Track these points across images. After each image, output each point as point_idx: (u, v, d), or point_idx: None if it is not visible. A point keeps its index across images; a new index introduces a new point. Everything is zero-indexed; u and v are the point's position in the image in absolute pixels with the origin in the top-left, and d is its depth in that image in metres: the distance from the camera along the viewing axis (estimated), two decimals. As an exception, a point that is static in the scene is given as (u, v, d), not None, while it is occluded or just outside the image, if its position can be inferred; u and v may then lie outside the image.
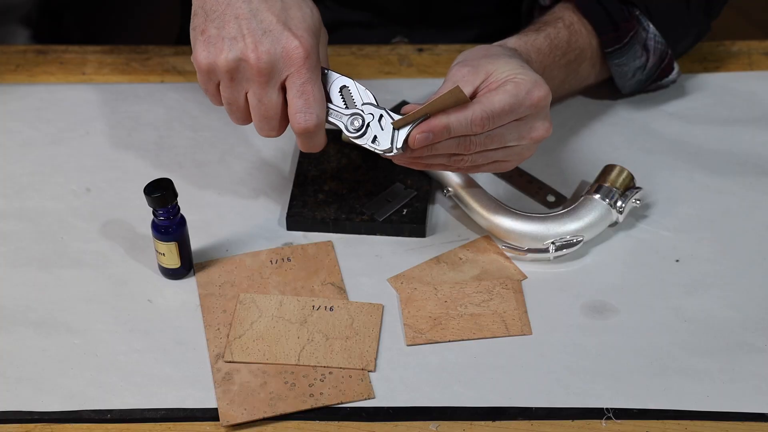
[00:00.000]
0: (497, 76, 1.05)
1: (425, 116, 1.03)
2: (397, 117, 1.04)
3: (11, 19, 1.73)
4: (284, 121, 1.08)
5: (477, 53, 1.10)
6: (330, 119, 1.07)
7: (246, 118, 1.09)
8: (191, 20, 1.08)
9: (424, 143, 1.03)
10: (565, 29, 1.20)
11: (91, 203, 1.20)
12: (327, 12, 1.44)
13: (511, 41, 1.15)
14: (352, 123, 1.06)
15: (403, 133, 1.04)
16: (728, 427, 1.00)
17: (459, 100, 1.02)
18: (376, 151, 1.05)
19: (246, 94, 1.07)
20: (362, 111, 1.06)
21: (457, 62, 1.09)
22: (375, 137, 1.05)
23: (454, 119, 1.03)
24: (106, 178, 1.22)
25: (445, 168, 1.09)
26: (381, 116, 1.05)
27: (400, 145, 1.04)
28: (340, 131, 1.08)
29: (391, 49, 1.38)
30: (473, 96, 1.05)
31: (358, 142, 1.06)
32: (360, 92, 1.07)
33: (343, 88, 1.07)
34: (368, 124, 1.05)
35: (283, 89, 1.06)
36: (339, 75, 1.08)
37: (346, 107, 1.07)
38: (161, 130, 1.27)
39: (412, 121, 1.03)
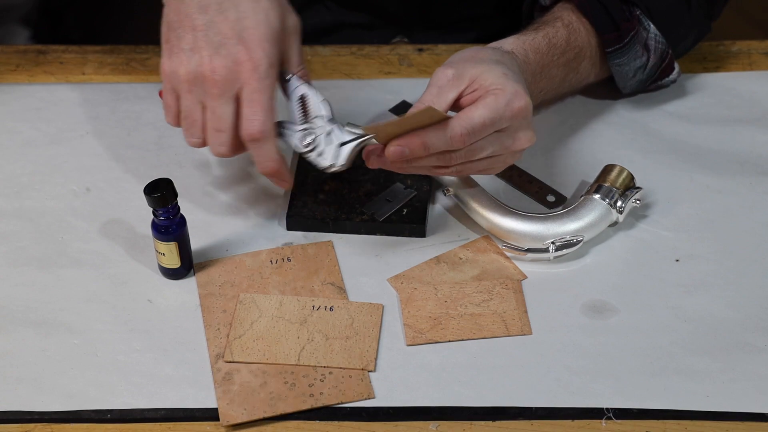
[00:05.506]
0: (481, 82, 1.06)
1: (372, 135, 1.07)
2: (346, 134, 1.08)
3: (11, 19, 1.73)
4: (237, 138, 1.09)
5: (465, 55, 1.10)
6: (284, 139, 1.10)
7: (201, 133, 1.10)
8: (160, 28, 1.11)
9: (398, 156, 1.04)
10: (563, 28, 1.20)
11: (91, 203, 1.20)
12: (328, 13, 1.44)
13: (509, 42, 1.16)
14: (302, 139, 1.09)
15: (346, 149, 1.07)
16: (728, 427, 1.00)
17: (434, 118, 1.03)
18: (318, 165, 1.08)
19: (202, 107, 1.09)
20: (313, 125, 1.09)
21: (444, 64, 1.09)
22: (321, 152, 1.08)
23: (433, 137, 1.04)
24: (106, 178, 1.22)
25: (430, 173, 1.10)
26: (330, 131, 1.08)
27: (342, 162, 1.07)
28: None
29: (391, 49, 1.38)
30: (457, 100, 1.06)
31: (305, 156, 1.09)
32: (316, 103, 1.09)
33: (302, 96, 1.10)
34: (316, 138, 1.08)
35: (238, 103, 1.08)
36: (301, 83, 1.10)
37: (303, 120, 1.10)
38: (161, 130, 1.27)
39: (360, 136, 1.07)
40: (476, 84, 1.06)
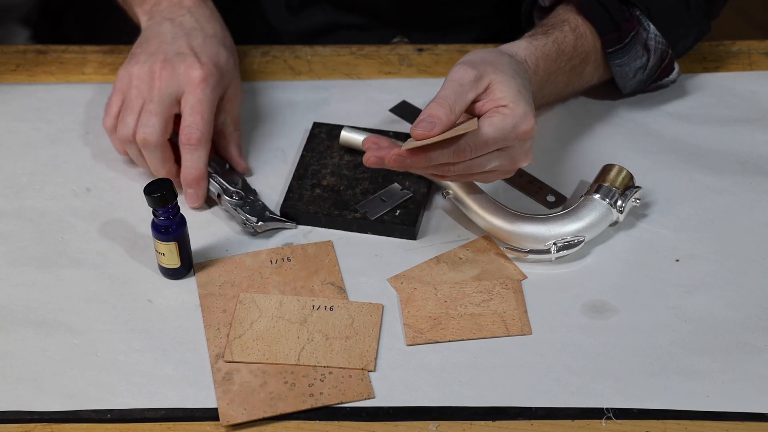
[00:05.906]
0: (495, 92, 1.05)
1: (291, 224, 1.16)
2: (267, 215, 1.16)
3: (11, 19, 1.73)
4: (165, 130, 1.16)
5: (486, 57, 1.08)
6: (212, 179, 1.18)
7: (134, 123, 1.16)
8: None
9: (398, 164, 1.03)
10: (571, 33, 1.20)
11: (91, 203, 1.20)
12: (324, 14, 1.44)
13: (522, 48, 1.14)
14: (233, 195, 1.16)
15: (271, 225, 1.15)
16: (728, 427, 1.00)
17: (467, 129, 1.02)
18: (237, 215, 1.15)
19: (142, 102, 1.16)
20: (244, 193, 1.18)
21: (462, 61, 1.07)
22: (247, 210, 1.16)
23: (437, 149, 1.03)
24: (106, 178, 1.22)
25: (426, 177, 1.11)
26: (258, 203, 1.17)
27: (262, 226, 1.15)
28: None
29: (391, 49, 1.38)
30: (473, 103, 1.06)
31: (229, 205, 1.16)
32: (248, 187, 1.19)
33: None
34: (246, 202, 1.17)
35: (178, 108, 1.17)
36: (237, 173, 1.20)
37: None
38: (161, 130, 1.27)
39: (284, 221, 1.17)
40: (489, 92, 1.05)
